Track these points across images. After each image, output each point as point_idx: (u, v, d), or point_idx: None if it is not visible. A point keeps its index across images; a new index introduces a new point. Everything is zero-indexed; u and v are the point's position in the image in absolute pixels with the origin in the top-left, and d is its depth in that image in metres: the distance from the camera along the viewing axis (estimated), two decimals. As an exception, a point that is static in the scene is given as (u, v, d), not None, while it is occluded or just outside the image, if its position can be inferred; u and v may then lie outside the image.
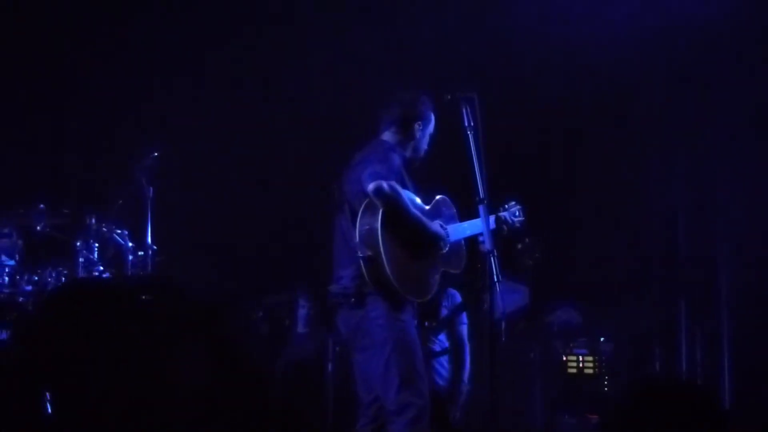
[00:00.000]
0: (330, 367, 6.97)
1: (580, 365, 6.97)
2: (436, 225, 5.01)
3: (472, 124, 4.88)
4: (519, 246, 5.55)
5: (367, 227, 4.79)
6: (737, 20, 7.22)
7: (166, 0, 7.78)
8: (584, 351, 7.00)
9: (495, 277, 4.70)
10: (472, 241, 5.16)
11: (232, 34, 7.78)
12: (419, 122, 5.16)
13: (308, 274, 7.54)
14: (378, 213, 4.78)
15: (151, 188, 6.82)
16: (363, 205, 4.84)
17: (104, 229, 6.88)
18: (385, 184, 4.77)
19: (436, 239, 4.98)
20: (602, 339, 7.05)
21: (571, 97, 7.64)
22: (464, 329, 6.17)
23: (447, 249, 5.03)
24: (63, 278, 6.72)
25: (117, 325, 5.38)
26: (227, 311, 6.54)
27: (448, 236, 5.03)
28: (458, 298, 6.21)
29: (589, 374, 6.97)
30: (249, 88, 7.98)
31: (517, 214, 5.48)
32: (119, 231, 6.92)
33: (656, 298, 7.63)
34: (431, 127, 5.25)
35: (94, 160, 7.59)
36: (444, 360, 6.15)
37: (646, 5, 7.34)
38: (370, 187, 4.77)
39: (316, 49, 7.80)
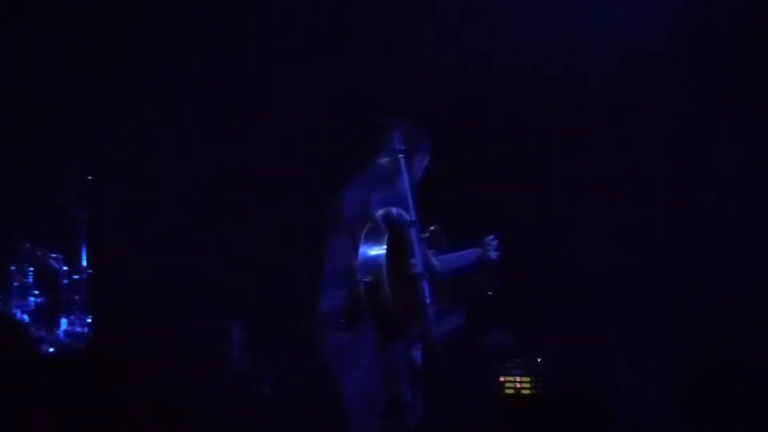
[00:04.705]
0: (267, 391, 6.95)
1: (517, 386, 7.02)
2: (432, 255, 5.08)
3: (402, 147, 4.95)
4: (474, 277, 5.61)
5: (371, 252, 4.83)
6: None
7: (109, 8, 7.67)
8: (521, 372, 7.04)
9: (427, 299, 4.76)
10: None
11: (168, 49, 7.74)
12: (417, 153, 5.22)
13: (243, 298, 7.54)
14: (383, 239, 4.83)
15: (85, 212, 6.80)
16: (366, 229, 4.88)
17: (39, 253, 6.85)
18: (394, 211, 4.86)
19: (432, 269, 5.01)
20: (539, 360, 7.11)
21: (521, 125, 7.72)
22: None
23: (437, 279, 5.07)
24: (-2, 303, 6.68)
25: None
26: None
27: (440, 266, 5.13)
28: None
29: (526, 395, 7.01)
30: (188, 112, 7.94)
31: (496, 248, 5.57)
32: (54, 255, 6.89)
33: (594, 322, 7.69)
34: (427, 159, 5.33)
35: (28, 183, 7.51)
36: None
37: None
38: (380, 213, 4.84)
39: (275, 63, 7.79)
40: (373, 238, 4.86)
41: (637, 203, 7.64)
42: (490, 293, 5.65)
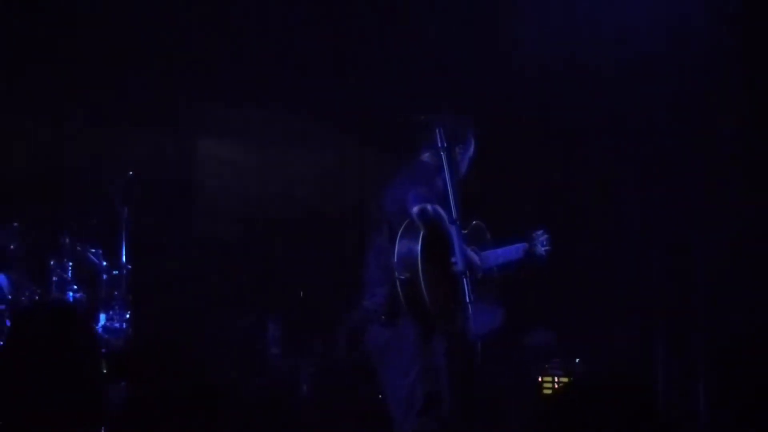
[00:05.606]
0: (305, 388, 6.96)
1: (556, 386, 6.98)
2: (471, 252, 5.03)
3: (444, 145, 4.93)
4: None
5: (407, 249, 4.82)
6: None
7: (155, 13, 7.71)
8: (559, 372, 7.01)
9: (467, 297, 4.72)
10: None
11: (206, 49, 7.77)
12: (461, 145, 5.20)
13: (277, 297, 7.56)
14: (419, 236, 4.81)
15: (126, 208, 6.84)
16: (403, 226, 4.87)
17: (79, 248, 6.89)
18: (429, 207, 4.80)
19: (472, 267, 4.98)
20: (577, 360, 7.07)
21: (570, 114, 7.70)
22: None
23: (480, 276, 5.06)
24: (36, 297, 6.71)
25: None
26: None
27: (481, 263, 5.08)
28: None
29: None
30: (231, 111, 7.97)
31: (545, 243, 5.53)
32: (93, 250, 6.93)
33: (632, 322, 7.65)
34: (471, 150, 5.31)
35: (68, 178, 7.56)
36: None
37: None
38: (415, 209, 4.80)
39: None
40: (409, 236, 4.84)
41: (678, 203, 7.60)
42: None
